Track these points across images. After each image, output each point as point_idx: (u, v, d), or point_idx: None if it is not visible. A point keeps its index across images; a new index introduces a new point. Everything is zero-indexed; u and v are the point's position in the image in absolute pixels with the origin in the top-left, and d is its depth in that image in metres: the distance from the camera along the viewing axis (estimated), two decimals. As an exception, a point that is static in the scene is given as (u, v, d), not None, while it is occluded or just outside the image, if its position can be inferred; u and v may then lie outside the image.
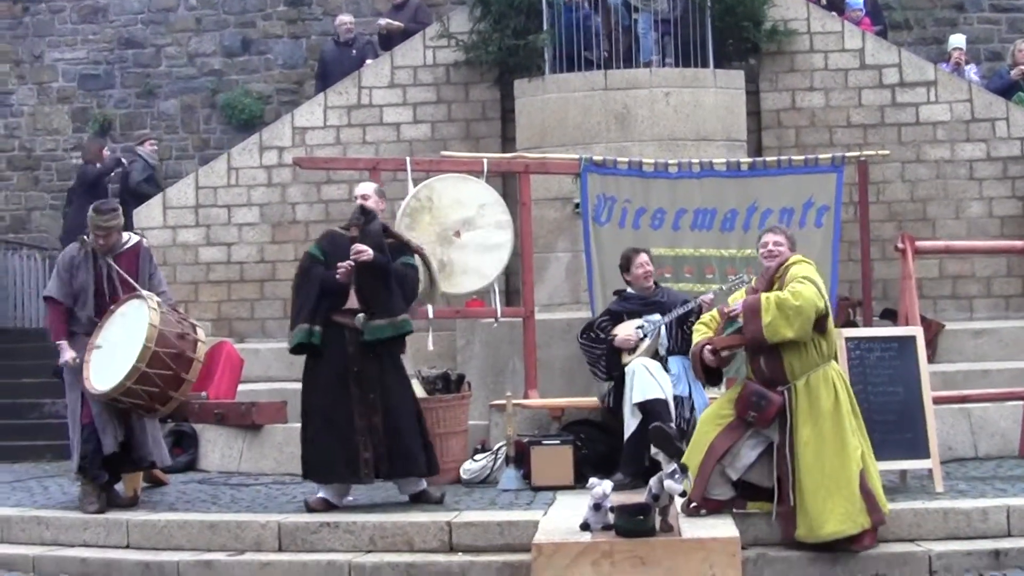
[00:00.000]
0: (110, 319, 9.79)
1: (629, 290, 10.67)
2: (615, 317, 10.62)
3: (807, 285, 8.37)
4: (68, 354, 9.91)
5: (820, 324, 8.43)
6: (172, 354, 9.61)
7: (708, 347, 8.69)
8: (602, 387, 10.86)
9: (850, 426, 8.44)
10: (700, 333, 8.92)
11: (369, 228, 9.65)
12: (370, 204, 9.80)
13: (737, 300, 8.71)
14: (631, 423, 10.08)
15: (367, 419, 9.47)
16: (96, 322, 9.83)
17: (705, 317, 9.07)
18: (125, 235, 10.23)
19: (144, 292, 9.79)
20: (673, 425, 9.90)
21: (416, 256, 9.87)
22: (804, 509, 8.33)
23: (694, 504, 8.60)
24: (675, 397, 10.12)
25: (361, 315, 9.44)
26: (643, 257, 10.59)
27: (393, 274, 9.58)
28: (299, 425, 9.62)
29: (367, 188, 10.06)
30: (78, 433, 9.94)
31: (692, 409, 10.16)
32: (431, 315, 11.22)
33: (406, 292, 9.69)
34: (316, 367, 9.59)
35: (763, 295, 8.45)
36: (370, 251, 9.47)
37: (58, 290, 10.04)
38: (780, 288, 8.48)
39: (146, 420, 10.06)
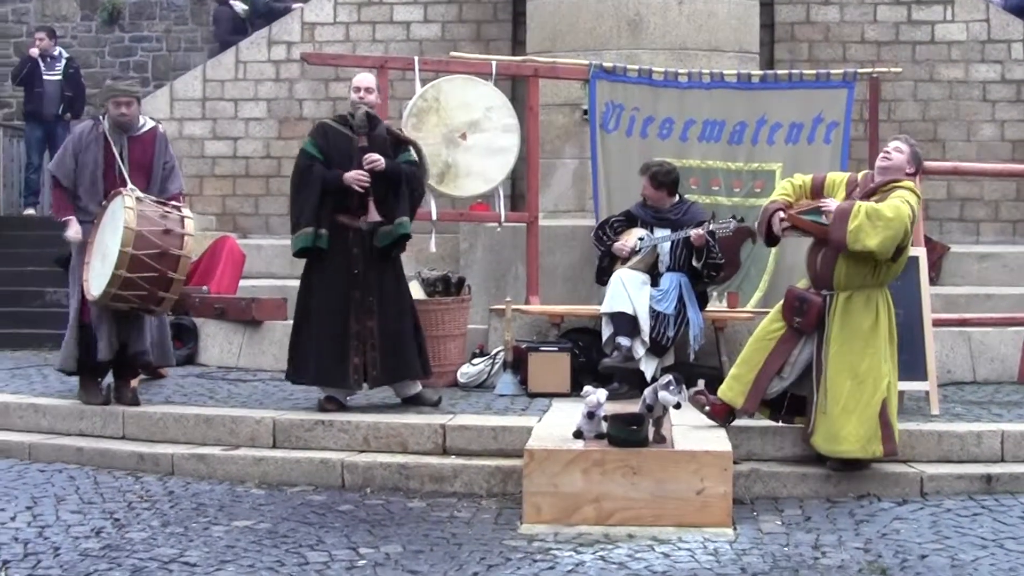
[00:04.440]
0: (102, 218, 9.55)
1: None
2: (630, 220, 10.56)
3: (904, 205, 8.20)
4: (73, 229, 9.77)
5: (895, 254, 8.30)
6: (155, 255, 9.28)
7: (781, 215, 8.53)
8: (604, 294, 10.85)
9: (883, 353, 8.37)
10: (783, 191, 8.71)
11: (375, 134, 9.54)
12: (371, 99, 9.59)
13: (833, 199, 8.46)
14: (604, 332, 10.17)
15: (362, 323, 9.42)
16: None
17: (797, 178, 8.77)
18: (142, 118, 9.99)
19: (126, 188, 9.49)
20: (626, 342, 9.97)
21: (412, 149, 9.72)
22: (825, 420, 8.33)
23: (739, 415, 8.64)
24: (657, 313, 10.05)
25: (367, 218, 9.35)
26: (643, 179, 10.38)
27: (404, 179, 9.49)
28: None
29: (368, 80, 9.74)
30: (74, 330, 9.85)
31: (684, 325, 10.11)
32: (435, 217, 11.18)
33: (415, 195, 9.63)
34: (318, 269, 9.46)
35: (856, 202, 8.27)
36: (382, 159, 9.38)
37: (60, 168, 9.85)
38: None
39: (154, 321, 9.97)
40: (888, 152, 8.55)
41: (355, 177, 9.33)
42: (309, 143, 9.53)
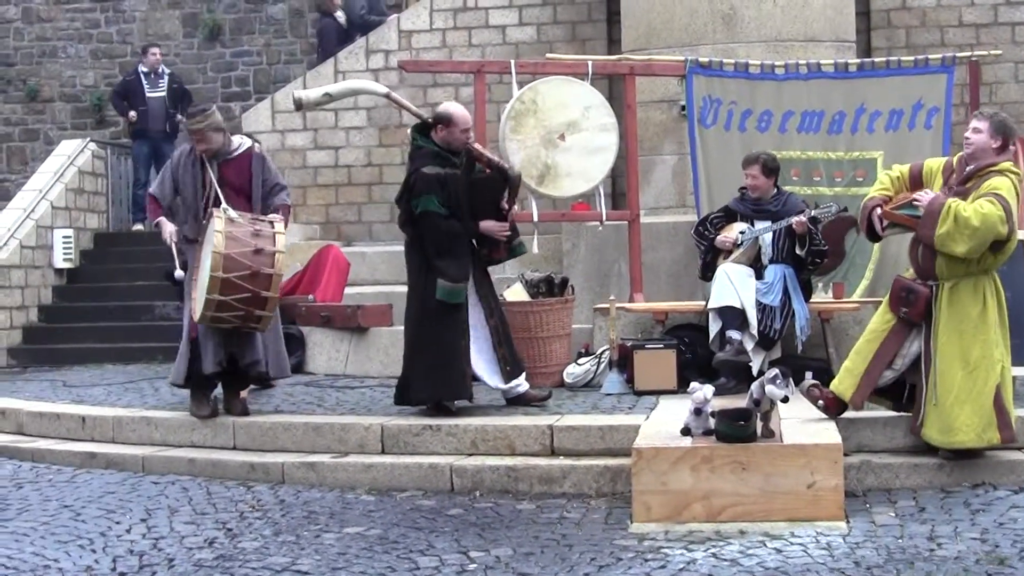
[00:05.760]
0: (203, 238, 9.55)
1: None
2: (729, 215, 10.50)
3: (995, 206, 8.03)
4: (168, 227, 9.79)
5: (997, 245, 8.17)
6: (246, 276, 9.29)
7: (879, 212, 8.44)
8: (708, 290, 10.78)
9: (994, 339, 8.24)
10: (881, 185, 8.62)
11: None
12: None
13: (928, 191, 8.32)
14: (712, 328, 10.09)
15: (490, 324, 9.62)
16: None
17: (894, 170, 8.66)
18: (236, 139, 9.95)
19: (219, 208, 9.47)
20: (737, 335, 9.89)
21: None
22: (938, 412, 8.21)
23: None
24: (764, 306, 9.97)
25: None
26: (751, 168, 10.35)
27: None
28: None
29: (469, 118, 9.71)
30: (185, 345, 9.92)
31: (790, 316, 10.03)
32: (536, 218, 11.20)
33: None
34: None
35: (949, 201, 8.10)
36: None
37: (157, 189, 9.99)
38: (973, 192, 8.18)
39: (269, 332, 9.94)
40: (968, 137, 8.33)
41: (498, 230, 9.57)
42: (435, 203, 9.31)
